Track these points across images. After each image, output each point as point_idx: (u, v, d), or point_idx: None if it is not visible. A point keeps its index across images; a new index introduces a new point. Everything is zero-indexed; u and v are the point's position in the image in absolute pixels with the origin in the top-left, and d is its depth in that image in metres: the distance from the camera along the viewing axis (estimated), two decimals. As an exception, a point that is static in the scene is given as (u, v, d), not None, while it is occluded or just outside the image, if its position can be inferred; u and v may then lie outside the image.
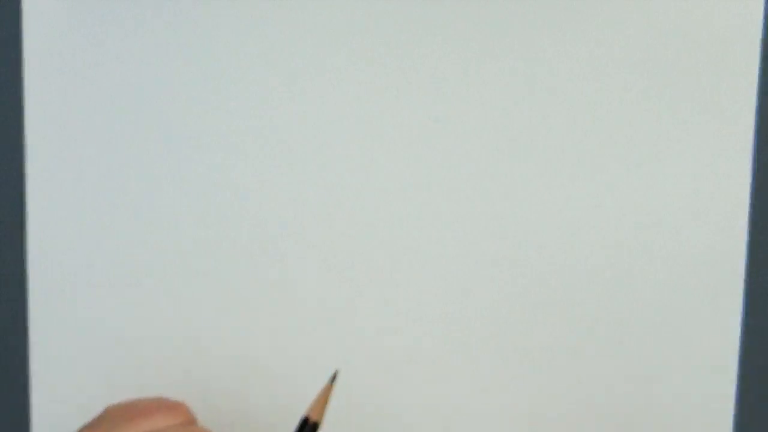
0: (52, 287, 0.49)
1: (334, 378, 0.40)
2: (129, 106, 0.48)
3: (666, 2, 0.46)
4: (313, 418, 0.39)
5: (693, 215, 0.48)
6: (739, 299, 0.48)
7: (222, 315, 0.49)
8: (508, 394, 0.49)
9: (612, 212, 0.48)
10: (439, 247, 0.48)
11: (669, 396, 0.48)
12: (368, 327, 0.48)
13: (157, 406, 0.39)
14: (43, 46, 0.47)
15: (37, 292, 0.49)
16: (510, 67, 0.47)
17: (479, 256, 0.48)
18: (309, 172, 0.48)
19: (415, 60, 0.47)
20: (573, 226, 0.48)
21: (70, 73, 0.48)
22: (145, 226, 0.48)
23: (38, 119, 0.48)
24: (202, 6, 0.47)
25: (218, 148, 0.48)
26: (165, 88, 0.48)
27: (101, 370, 0.49)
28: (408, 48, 0.47)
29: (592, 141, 0.47)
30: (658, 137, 0.47)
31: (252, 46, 0.47)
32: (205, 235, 0.48)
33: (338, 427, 0.49)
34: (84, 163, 0.48)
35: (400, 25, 0.47)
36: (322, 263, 0.48)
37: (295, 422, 0.47)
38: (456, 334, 0.48)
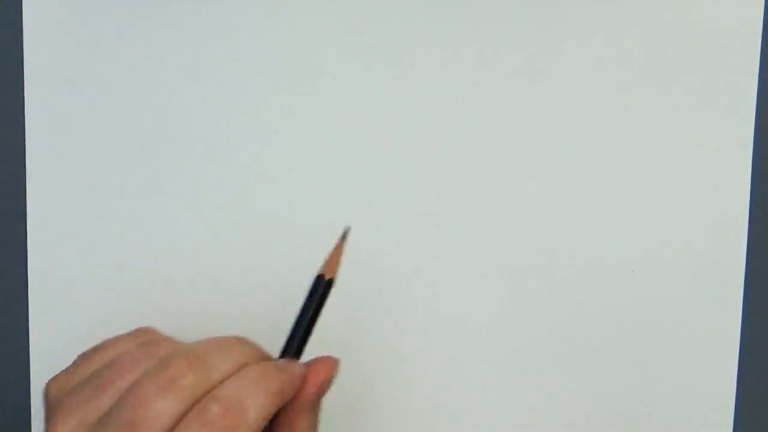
0: (52, 287, 0.49)
1: (345, 235, 0.39)
2: (129, 106, 0.48)
3: (666, 2, 0.46)
4: (328, 275, 0.38)
5: (693, 215, 0.48)
6: (739, 299, 0.48)
7: (226, 313, 0.49)
8: (507, 394, 0.49)
9: (612, 212, 0.48)
10: (438, 247, 0.48)
11: (669, 396, 0.48)
12: (373, 325, 0.48)
13: (124, 334, 0.39)
14: (43, 46, 0.47)
15: (37, 292, 0.49)
16: (510, 66, 0.47)
17: (477, 256, 0.48)
18: (310, 171, 0.48)
19: (416, 58, 0.47)
20: (572, 225, 0.48)
21: (70, 73, 0.48)
22: (145, 226, 0.48)
23: (38, 119, 0.48)
24: (203, 6, 0.47)
25: (218, 147, 0.48)
26: (165, 88, 0.48)
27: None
28: (409, 45, 0.47)
29: (591, 140, 0.47)
30: (659, 137, 0.47)
31: (253, 45, 0.47)
32: (208, 233, 0.48)
33: (336, 423, 0.49)
34: (84, 163, 0.48)
35: (402, 23, 0.47)
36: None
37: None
38: (454, 334, 0.48)
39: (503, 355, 0.49)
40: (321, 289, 0.38)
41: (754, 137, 0.47)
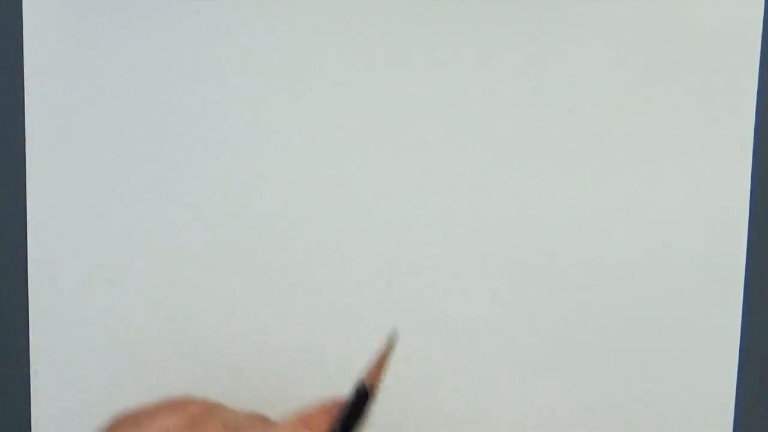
0: (52, 287, 0.49)
1: (391, 343, 0.37)
2: (129, 106, 0.48)
3: (666, 2, 0.46)
4: (368, 382, 0.36)
5: (693, 215, 0.48)
6: (739, 299, 0.48)
7: (226, 313, 0.49)
8: (507, 393, 0.49)
9: (612, 212, 0.48)
10: (438, 247, 0.48)
11: (669, 396, 0.48)
12: (372, 325, 0.48)
13: (163, 405, 0.38)
14: (43, 46, 0.47)
15: (37, 292, 0.49)
16: (510, 66, 0.47)
17: (477, 256, 0.48)
18: (309, 171, 0.48)
19: (416, 58, 0.47)
20: (573, 225, 0.48)
21: (70, 73, 0.48)
22: (146, 226, 0.48)
23: (38, 119, 0.48)
24: (203, 6, 0.47)
25: (218, 147, 0.48)
26: (165, 88, 0.48)
27: (103, 371, 0.49)
28: (409, 45, 0.47)
29: (591, 140, 0.47)
30: (658, 137, 0.47)
31: (253, 45, 0.47)
32: (208, 233, 0.48)
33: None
34: (84, 163, 0.48)
35: (402, 23, 0.47)
36: (324, 267, 0.48)
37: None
38: (453, 334, 0.48)
39: (503, 355, 0.48)
40: (364, 399, 0.36)
41: (754, 137, 0.47)
